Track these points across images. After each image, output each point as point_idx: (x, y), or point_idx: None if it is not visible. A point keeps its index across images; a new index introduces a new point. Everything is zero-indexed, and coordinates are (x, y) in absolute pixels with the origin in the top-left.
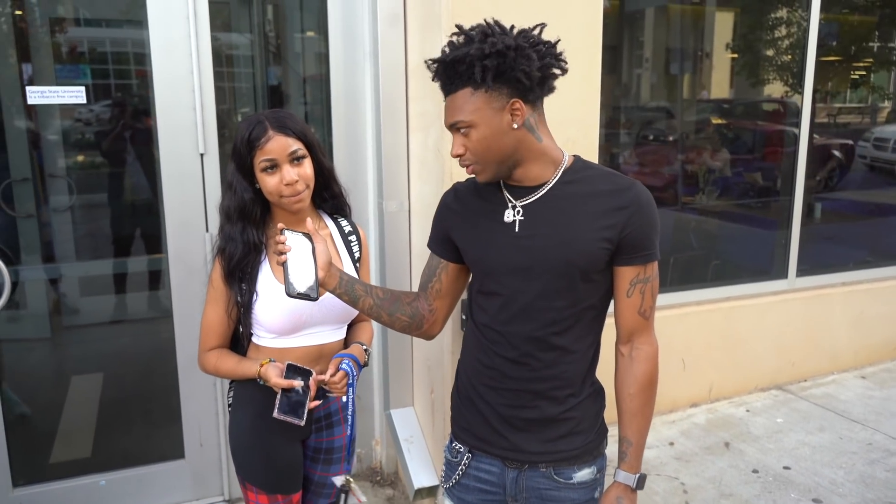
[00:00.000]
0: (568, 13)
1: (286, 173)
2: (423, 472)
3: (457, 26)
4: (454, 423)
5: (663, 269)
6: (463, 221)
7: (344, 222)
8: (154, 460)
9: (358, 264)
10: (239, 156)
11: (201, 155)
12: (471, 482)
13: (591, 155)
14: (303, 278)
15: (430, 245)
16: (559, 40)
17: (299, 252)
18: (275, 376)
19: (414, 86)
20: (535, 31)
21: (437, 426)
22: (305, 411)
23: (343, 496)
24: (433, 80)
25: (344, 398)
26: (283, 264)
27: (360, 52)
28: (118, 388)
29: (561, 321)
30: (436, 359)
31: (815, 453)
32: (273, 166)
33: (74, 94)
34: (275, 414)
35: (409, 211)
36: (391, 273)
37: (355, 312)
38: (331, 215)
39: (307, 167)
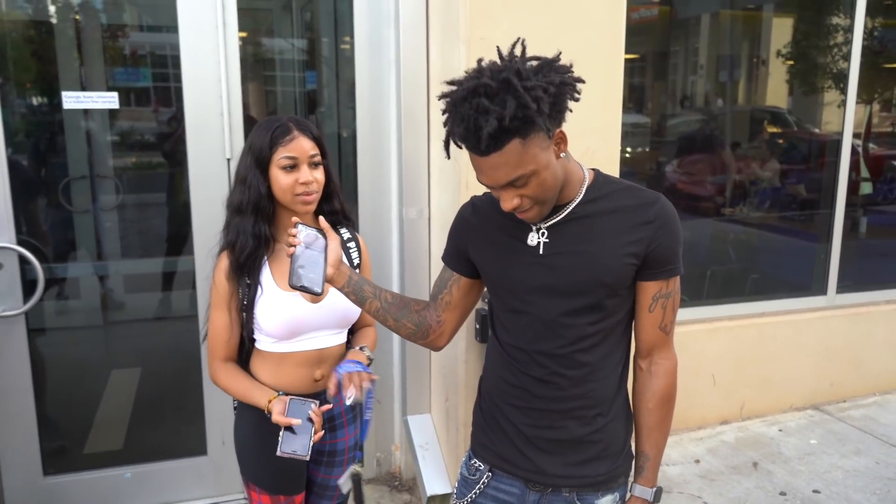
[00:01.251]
0: (589, 21)
1: (303, 173)
2: (436, 479)
3: (480, 70)
4: (475, 439)
5: (699, 283)
6: (482, 238)
7: (343, 230)
8: (179, 456)
9: (357, 270)
10: (258, 151)
11: (227, 160)
12: (488, 501)
13: (613, 165)
14: (309, 272)
15: (444, 258)
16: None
17: (310, 246)
18: (277, 413)
19: (435, 93)
20: (555, 61)
21: (451, 434)
22: (310, 445)
23: (358, 482)
24: (469, 148)
25: (348, 402)
26: (291, 256)
27: (384, 60)
28: (154, 384)
29: (588, 337)
30: (451, 367)
31: (847, 477)
32: (293, 165)
33: (108, 100)
34: (278, 452)
35: (430, 218)
36: (410, 279)
37: (355, 317)
38: (332, 225)
39: (321, 173)
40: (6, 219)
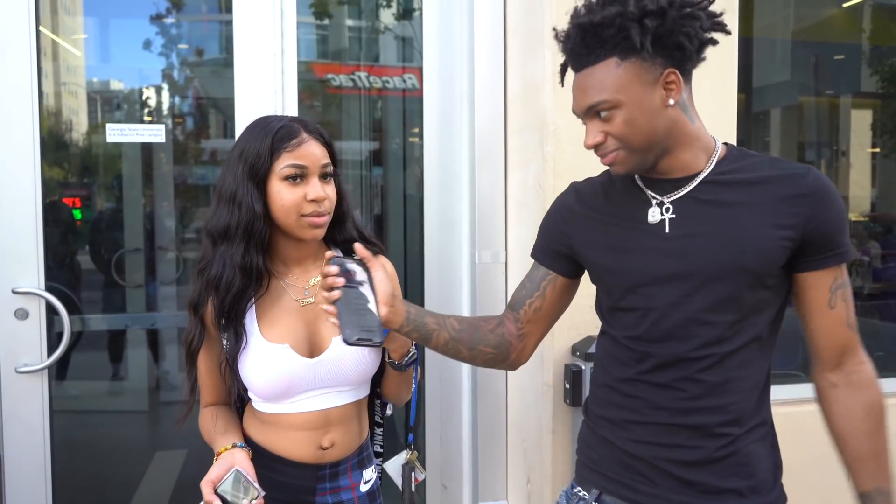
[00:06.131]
0: None
1: (313, 187)
2: None
3: None
4: (580, 464)
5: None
6: (591, 227)
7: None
8: None
9: None
10: (254, 158)
11: None
12: None
13: None
14: (361, 319)
15: (535, 254)
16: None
17: (353, 286)
18: (208, 479)
19: (513, 117)
20: None
21: None
22: None
23: (410, 472)
24: (563, 51)
25: (363, 486)
26: (336, 303)
27: (456, 85)
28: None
29: (728, 340)
30: (533, 440)
31: None
32: (301, 175)
33: (154, 133)
34: None
35: (506, 262)
36: None
37: (369, 373)
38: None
39: (333, 189)
40: (35, 262)
